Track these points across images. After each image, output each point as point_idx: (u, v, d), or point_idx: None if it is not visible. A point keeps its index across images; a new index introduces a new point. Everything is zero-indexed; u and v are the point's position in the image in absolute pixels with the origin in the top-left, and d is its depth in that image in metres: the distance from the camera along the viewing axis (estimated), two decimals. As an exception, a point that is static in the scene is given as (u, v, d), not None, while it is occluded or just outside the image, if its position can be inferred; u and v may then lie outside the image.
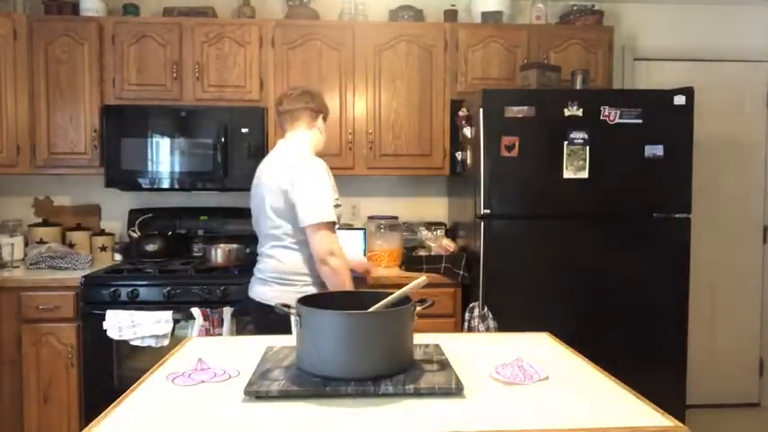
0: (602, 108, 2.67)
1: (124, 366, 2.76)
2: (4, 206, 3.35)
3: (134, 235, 3.22)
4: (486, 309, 2.65)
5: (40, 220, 3.33)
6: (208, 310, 2.68)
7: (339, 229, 2.19)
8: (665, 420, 1.11)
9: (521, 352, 1.46)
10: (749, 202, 3.73)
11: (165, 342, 2.66)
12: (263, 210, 2.19)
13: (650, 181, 2.71)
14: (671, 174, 2.71)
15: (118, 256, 3.22)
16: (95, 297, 2.74)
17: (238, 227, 3.33)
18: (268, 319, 1.94)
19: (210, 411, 1.15)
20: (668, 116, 2.70)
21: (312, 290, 2.08)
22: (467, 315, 2.70)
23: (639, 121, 2.68)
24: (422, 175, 3.29)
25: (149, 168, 3.04)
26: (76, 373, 2.77)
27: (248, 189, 3.28)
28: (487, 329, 2.60)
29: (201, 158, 3.05)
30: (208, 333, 2.63)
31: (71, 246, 3.20)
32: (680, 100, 2.71)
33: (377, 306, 1.36)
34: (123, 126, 3.02)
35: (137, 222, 3.25)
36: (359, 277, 2.59)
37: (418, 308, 1.36)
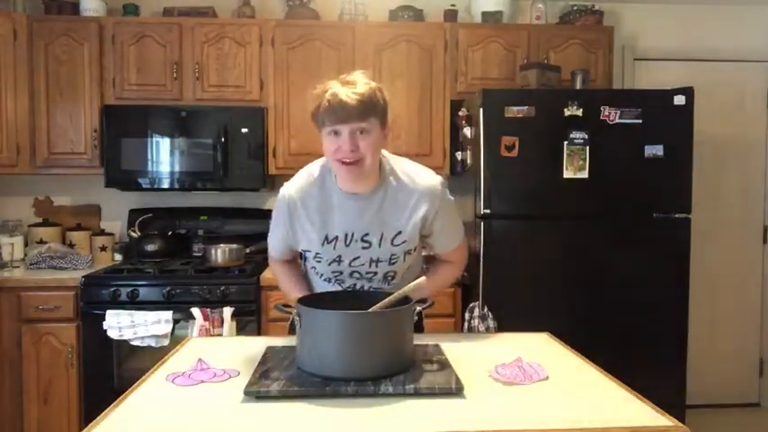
0: (602, 108, 2.67)
1: (124, 366, 2.76)
2: (4, 206, 3.35)
3: (134, 235, 3.22)
4: (486, 309, 2.64)
5: (40, 220, 3.33)
6: (208, 310, 2.67)
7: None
8: (665, 420, 1.11)
9: (521, 352, 1.46)
10: (749, 202, 3.73)
11: (165, 342, 2.65)
12: None
13: (650, 181, 2.71)
14: (671, 174, 2.71)
15: (118, 256, 3.22)
16: (95, 297, 2.74)
17: (238, 227, 3.33)
18: None
19: (210, 411, 1.14)
20: (668, 116, 2.70)
21: None
22: (467, 315, 2.70)
23: (639, 121, 2.68)
24: (422, 175, 3.28)
25: (149, 168, 3.04)
26: (76, 373, 2.77)
27: (248, 189, 3.30)
28: (487, 329, 2.60)
29: (201, 158, 3.05)
30: (208, 333, 2.63)
31: (71, 246, 3.20)
32: (680, 100, 2.71)
33: (377, 306, 1.36)
34: (123, 126, 3.02)
35: (137, 222, 3.25)
36: None
37: (418, 308, 1.36)
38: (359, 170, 1.49)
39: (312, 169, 1.63)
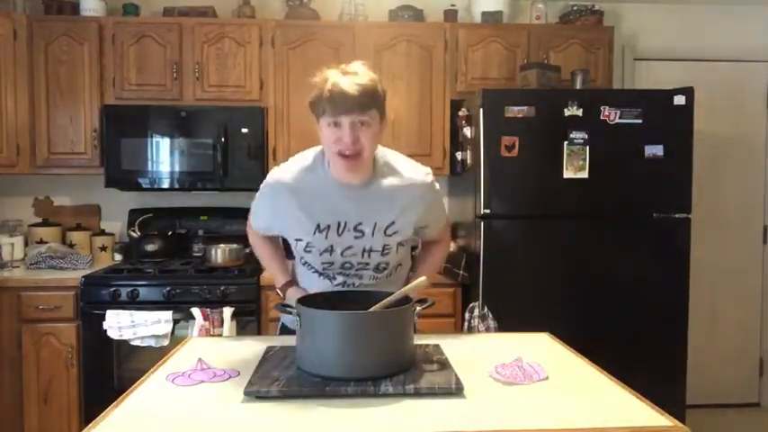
0: (602, 108, 2.67)
1: (124, 366, 2.76)
2: (4, 206, 3.35)
3: (134, 235, 3.22)
4: (486, 309, 2.64)
5: (40, 220, 3.33)
6: (208, 310, 2.68)
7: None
8: (665, 420, 1.11)
9: (521, 352, 1.46)
10: (749, 202, 3.73)
11: (165, 342, 2.65)
12: None
13: (650, 181, 2.70)
14: (671, 174, 2.71)
15: (118, 256, 3.22)
16: (95, 297, 2.74)
17: (238, 227, 3.32)
18: None
19: (210, 411, 1.14)
20: (668, 116, 2.70)
21: None
22: (467, 315, 2.70)
23: (639, 121, 2.68)
24: (422, 175, 3.29)
25: (149, 168, 3.04)
26: (76, 373, 2.77)
27: (248, 189, 3.29)
28: (487, 329, 2.60)
29: (201, 158, 3.05)
30: (208, 333, 2.63)
31: (71, 246, 3.20)
32: (680, 100, 2.71)
33: (377, 306, 1.36)
34: (123, 126, 3.02)
35: (137, 222, 3.25)
36: None
37: (418, 308, 1.36)
38: (357, 163, 1.48)
39: (306, 156, 1.61)
